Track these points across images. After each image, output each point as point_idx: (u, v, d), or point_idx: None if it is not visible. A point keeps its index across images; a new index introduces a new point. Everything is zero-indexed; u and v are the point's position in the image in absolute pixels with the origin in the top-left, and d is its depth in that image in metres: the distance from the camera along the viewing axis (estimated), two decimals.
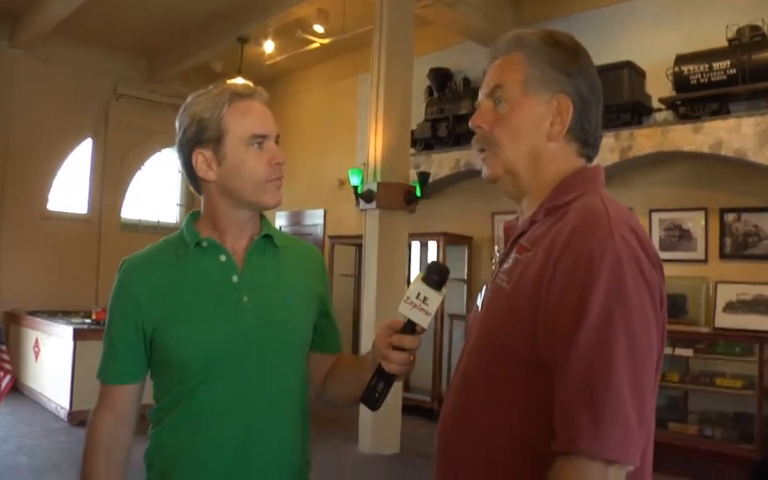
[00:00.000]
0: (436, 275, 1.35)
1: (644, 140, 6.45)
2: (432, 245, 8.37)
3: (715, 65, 6.06)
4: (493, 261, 1.50)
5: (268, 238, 1.59)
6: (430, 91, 8.83)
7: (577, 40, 1.34)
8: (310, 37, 8.83)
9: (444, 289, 1.36)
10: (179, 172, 11.00)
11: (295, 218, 11.02)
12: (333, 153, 10.27)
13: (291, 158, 11.34)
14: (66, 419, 6.79)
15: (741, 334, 5.84)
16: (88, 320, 7.45)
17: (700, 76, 6.14)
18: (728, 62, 6.01)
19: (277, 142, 1.56)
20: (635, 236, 1.13)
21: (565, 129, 1.27)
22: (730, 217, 6.32)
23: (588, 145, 1.32)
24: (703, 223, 6.47)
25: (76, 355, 6.82)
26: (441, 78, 8.73)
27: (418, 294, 1.35)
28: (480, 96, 1.36)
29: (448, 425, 1.31)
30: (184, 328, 1.48)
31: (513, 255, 1.26)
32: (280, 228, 1.59)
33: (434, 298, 1.34)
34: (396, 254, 6.51)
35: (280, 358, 1.53)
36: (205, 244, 1.54)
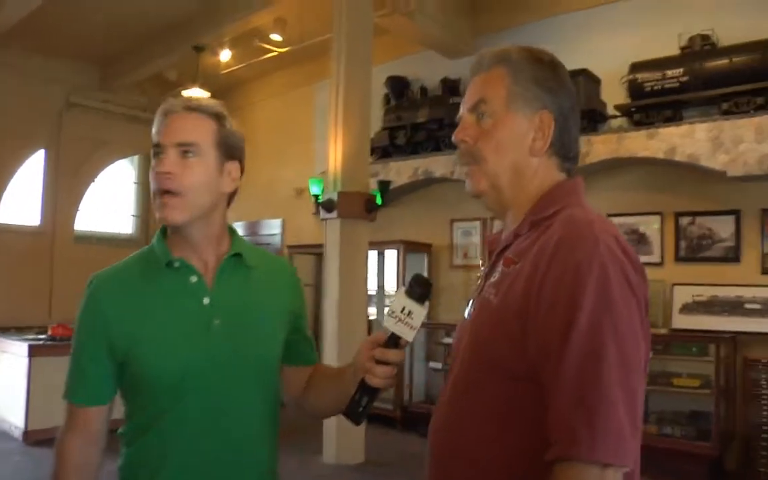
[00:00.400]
0: (419, 288, 1.35)
1: (600, 146, 6.57)
2: (391, 253, 8.37)
3: (669, 73, 6.21)
4: (478, 275, 1.51)
5: (237, 256, 1.55)
6: (387, 100, 8.85)
7: (556, 57, 1.36)
8: (268, 46, 8.78)
9: (427, 302, 1.36)
10: (134, 183, 10.89)
11: (252, 228, 10.94)
12: (290, 162, 10.23)
13: (248, 168, 11.22)
14: (21, 439, 6.56)
15: (697, 335, 5.98)
16: (43, 336, 7.23)
17: (654, 83, 6.29)
18: (681, 70, 6.17)
19: (188, 152, 1.46)
20: (619, 245, 1.15)
21: (547, 144, 1.29)
22: (684, 221, 6.47)
23: (568, 159, 1.34)
24: (658, 227, 6.61)
25: (32, 373, 6.59)
26: (398, 86, 8.77)
27: (403, 308, 1.34)
28: (462, 110, 1.37)
29: (439, 438, 1.31)
30: (154, 350, 1.44)
31: (500, 268, 1.27)
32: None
33: (418, 312, 1.34)
34: (357, 263, 6.49)
35: (250, 380, 1.51)
36: (177, 264, 1.50)
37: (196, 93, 9.39)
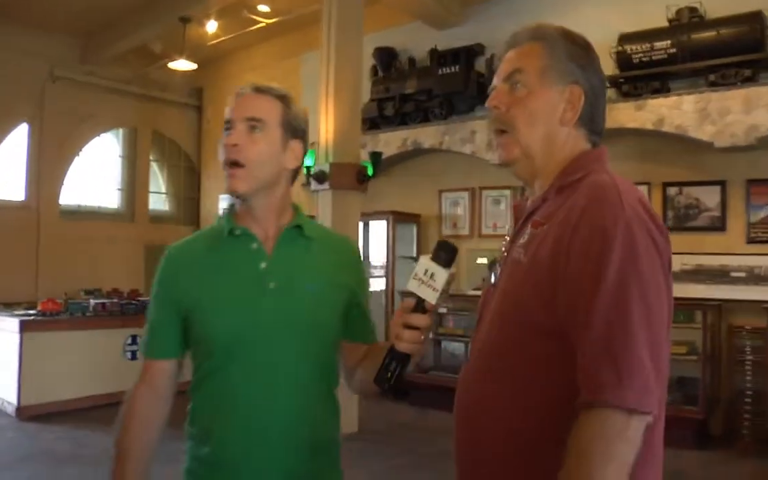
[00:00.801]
0: (444, 252, 1.38)
1: None
2: (381, 224, 8.41)
3: (657, 45, 6.28)
4: (504, 242, 1.53)
5: (298, 228, 1.65)
6: (374, 71, 8.84)
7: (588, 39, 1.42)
8: (255, 17, 8.71)
9: (453, 267, 1.40)
10: (120, 156, 10.80)
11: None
12: None
13: None
14: (14, 415, 6.56)
15: (684, 303, 6.09)
16: (33, 311, 7.22)
17: (642, 55, 6.36)
18: (669, 42, 6.24)
19: (255, 126, 1.57)
20: (643, 207, 1.21)
21: (577, 116, 1.35)
22: (672, 191, 6.58)
23: (595, 133, 1.40)
24: (646, 196, 6.68)
25: (23, 348, 6.59)
26: (386, 57, 8.76)
27: (426, 270, 1.38)
28: (495, 81, 1.41)
29: (468, 396, 1.36)
30: (211, 310, 1.56)
31: (528, 230, 1.33)
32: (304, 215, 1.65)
33: (441, 274, 1.37)
34: (349, 234, 6.50)
35: (300, 345, 1.57)
36: (238, 232, 1.61)
37: (182, 64, 9.33)
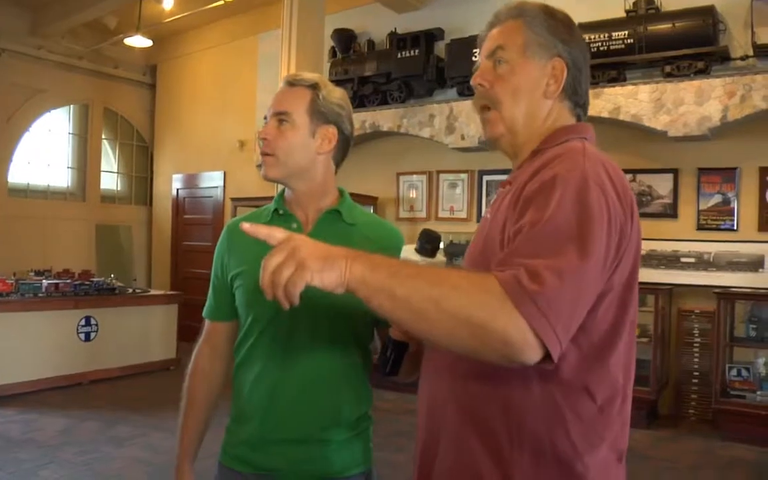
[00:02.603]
0: (428, 243, 1.43)
1: None
2: None
3: (614, 35, 6.41)
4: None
5: (336, 212, 1.76)
6: (333, 52, 8.81)
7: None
8: None
9: (435, 256, 1.43)
10: (70, 133, 10.51)
11: (191, 180, 10.78)
12: (232, 114, 10.09)
13: (189, 118, 11.09)
14: None
15: (638, 287, 6.25)
16: None
17: (600, 44, 6.48)
18: (626, 32, 6.38)
19: (283, 119, 1.72)
20: (606, 172, 1.19)
21: (560, 89, 1.38)
22: (626, 178, 6.72)
23: (579, 106, 1.43)
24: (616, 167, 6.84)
25: None
26: (345, 39, 8.72)
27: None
28: (478, 59, 1.44)
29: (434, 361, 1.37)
30: (246, 283, 1.72)
31: (500, 190, 1.38)
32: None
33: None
34: None
35: (330, 325, 1.68)
36: (281, 212, 1.78)
37: (137, 40, 9.13)
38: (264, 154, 1.74)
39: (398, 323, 1.19)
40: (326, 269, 1.12)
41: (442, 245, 1.46)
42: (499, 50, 1.38)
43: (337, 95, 1.77)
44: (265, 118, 1.78)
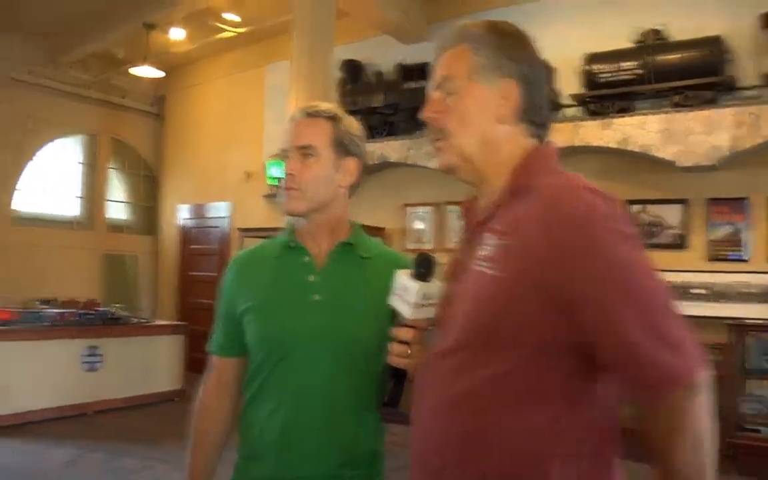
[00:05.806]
0: (419, 267, 1.39)
1: (557, 135, 6.62)
2: None
3: (623, 65, 6.42)
4: (456, 242, 1.49)
5: (349, 245, 1.73)
6: (342, 83, 8.83)
7: (519, 27, 1.38)
8: (223, 26, 8.64)
9: (430, 280, 1.38)
10: (80, 163, 10.53)
11: (199, 211, 10.78)
12: (239, 145, 10.13)
13: (196, 149, 11.13)
14: None
15: None
16: None
17: (609, 75, 6.48)
18: (635, 63, 6.39)
19: (308, 153, 1.68)
20: (601, 196, 1.16)
21: (513, 111, 1.30)
22: (636, 209, 6.70)
23: (538, 126, 1.33)
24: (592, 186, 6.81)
25: None
26: (353, 70, 8.76)
27: (401, 285, 1.40)
28: (429, 89, 1.38)
29: (444, 443, 1.24)
30: (258, 316, 1.68)
31: (492, 241, 1.24)
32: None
33: (412, 288, 1.37)
34: None
35: (336, 358, 1.63)
36: (293, 245, 1.73)
37: (145, 71, 9.18)
38: (289, 188, 1.68)
39: None
40: None
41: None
42: (446, 81, 1.33)
43: (355, 126, 1.75)
44: (285, 151, 1.72)
